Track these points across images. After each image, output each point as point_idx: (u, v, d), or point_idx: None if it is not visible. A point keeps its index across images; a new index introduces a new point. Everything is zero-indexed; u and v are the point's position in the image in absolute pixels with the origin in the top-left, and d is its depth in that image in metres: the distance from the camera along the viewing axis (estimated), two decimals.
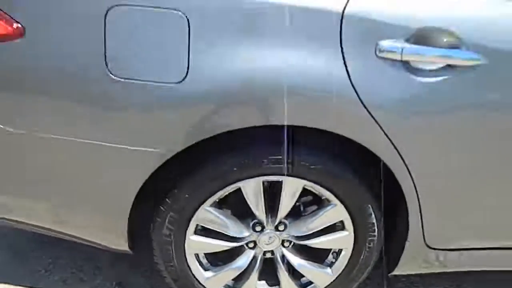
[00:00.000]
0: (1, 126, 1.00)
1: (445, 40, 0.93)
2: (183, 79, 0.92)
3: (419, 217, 1.11)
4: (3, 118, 1.00)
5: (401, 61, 0.94)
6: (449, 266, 1.24)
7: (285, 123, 0.97)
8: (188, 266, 1.18)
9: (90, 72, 0.93)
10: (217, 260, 1.23)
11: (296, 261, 1.22)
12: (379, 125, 0.98)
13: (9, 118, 1.00)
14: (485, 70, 0.95)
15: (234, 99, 0.95)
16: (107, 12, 0.90)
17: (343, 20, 0.91)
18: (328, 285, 1.24)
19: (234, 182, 1.06)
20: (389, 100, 0.97)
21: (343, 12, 0.91)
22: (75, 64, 0.94)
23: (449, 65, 0.95)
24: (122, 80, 0.93)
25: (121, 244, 1.15)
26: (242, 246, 1.19)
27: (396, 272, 1.25)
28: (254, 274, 1.22)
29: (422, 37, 0.93)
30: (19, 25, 0.92)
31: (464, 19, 0.95)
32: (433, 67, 0.95)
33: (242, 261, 1.20)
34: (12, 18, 0.92)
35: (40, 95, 0.98)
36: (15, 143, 1.04)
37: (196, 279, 1.20)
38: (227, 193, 1.09)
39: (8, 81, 0.98)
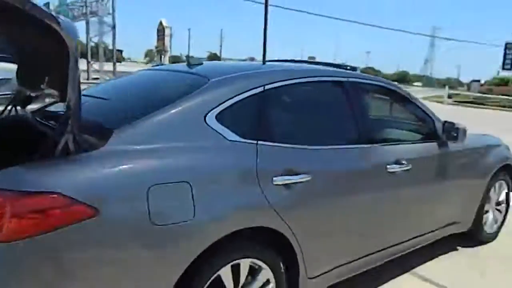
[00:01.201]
0: None
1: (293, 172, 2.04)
2: (193, 218, 1.66)
3: (303, 262, 2.10)
4: None
5: (280, 184, 1.97)
6: (324, 284, 2.27)
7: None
8: None
9: (137, 224, 1.56)
10: None
11: None
12: (279, 215, 1.95)
13: None
14: (314, 179, 2.08)
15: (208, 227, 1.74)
16: (149, 189, 1.58)
17: (258, 173, 1.89)
18: None
19: (218, 270, 1.80)
20: (281, 202, 1.96)
21: (256, 170, 1.89)
22: (134, 223, 1.55)
23: (296, 182, 2.04)
24: (160, 225, 1.59)
25: None
26: None
27: None
28: None
29: (290, 174, 2.00)
30: (94, 208, 1.47)
31: (305, 165, 2.08)
32: (298, 182, 2.02)
33: None
34: (83, 203, 1.46)
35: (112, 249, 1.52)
36: None
37: None
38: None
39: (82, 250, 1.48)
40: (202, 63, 2.49)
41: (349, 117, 2.47)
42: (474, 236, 3.56)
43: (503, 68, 35.73)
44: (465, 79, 79.06)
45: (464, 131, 2.91)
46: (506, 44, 36.05)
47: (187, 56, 2.49)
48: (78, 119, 1.59)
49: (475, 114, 17.52)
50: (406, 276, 3.00)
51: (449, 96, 28.49)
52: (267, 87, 2.11)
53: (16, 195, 1.41)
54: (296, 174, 2.04)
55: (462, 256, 3.42)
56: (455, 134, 2.88)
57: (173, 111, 1.82)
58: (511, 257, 3.43)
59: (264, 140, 2.00)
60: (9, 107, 2.45)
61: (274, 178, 1.95)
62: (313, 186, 2.10)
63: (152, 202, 1.58)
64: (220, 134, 1.88)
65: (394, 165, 2.53)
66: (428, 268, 3.12)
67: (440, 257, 3.34)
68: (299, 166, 2.06)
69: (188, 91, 1.94)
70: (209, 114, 1.88)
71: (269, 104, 2.11)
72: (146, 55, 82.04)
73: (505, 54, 35.92)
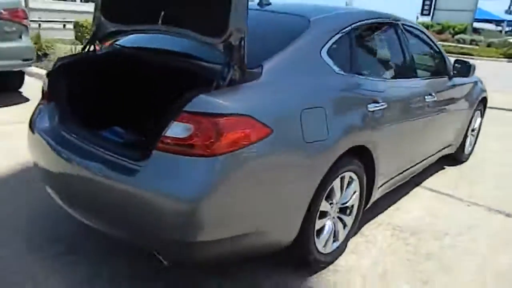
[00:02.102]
0: None
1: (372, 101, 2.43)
2: (327, 136, 2.01)
3: (378, 174, 2.56)
4: None
5: (371, 110, 2.37)
6: (381, 194, 2.78)
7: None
8: None
9: (296, 141, 1.88)
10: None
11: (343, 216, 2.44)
12: (371, 136, 2.36)
13: None
14: (388, 107, 2.51)
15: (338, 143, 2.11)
16: (301, 112, 1.88)
17: (360, 101, 2.27)
18: (353, 222, 2.52)
19: (334, 180, 2.19)
20: (372, 125, 2.37)
21: (359, 98, 2.26)
22: (294, 139, 1.87)
23: (379, 109, 2.45)
24: (309, 142, 1.92)
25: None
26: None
27: (369, 204, 2.66)
28: None
29: (375, 102, 2.39)
30: (270, 128, 1.75)
31: (383, 94, 2.48)
32: (380, 109, 2.43)
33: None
34: (264, 123, 1.74)
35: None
36: None
37: None
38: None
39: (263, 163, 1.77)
40: (270, 3, 2.69)
41: (403, 55, 2.89)
42: (456, 157, 4.32)
43: (422, 14, 38.29)
44: None
45: (474, 68, 3.50)
46: None
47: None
48: (243, 54, 1.79)
49: None
50: (417, 189, 3.65)
51: None
52: (353, 26, 2.42)
53: (220, 118, 1.64)
54: (378, 102, 2.44)
55: (451, 172, 4.18)
56: (467, 71, 3.46)
57: (299, 48, 2.08)
58: (484, 170, 4.29)
59: (357, 74, 2.35)
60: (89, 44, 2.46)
61: (368, 105, 2.34)
62: (387, 112, 2.53)
63: (304, 123, 1.90)
64: (331, 67, 2.19)
65: (429, 96, 3.05)
66: (431, 182, 3.82)
67: (435, 174, 4.06)
68: (379, 96, 2.46)
69: (299, 30, 2.18)
70: (322, 49, 2.17)
71: (355, 41, 2.43)
72: None
73: (424, 0, 38.34)
